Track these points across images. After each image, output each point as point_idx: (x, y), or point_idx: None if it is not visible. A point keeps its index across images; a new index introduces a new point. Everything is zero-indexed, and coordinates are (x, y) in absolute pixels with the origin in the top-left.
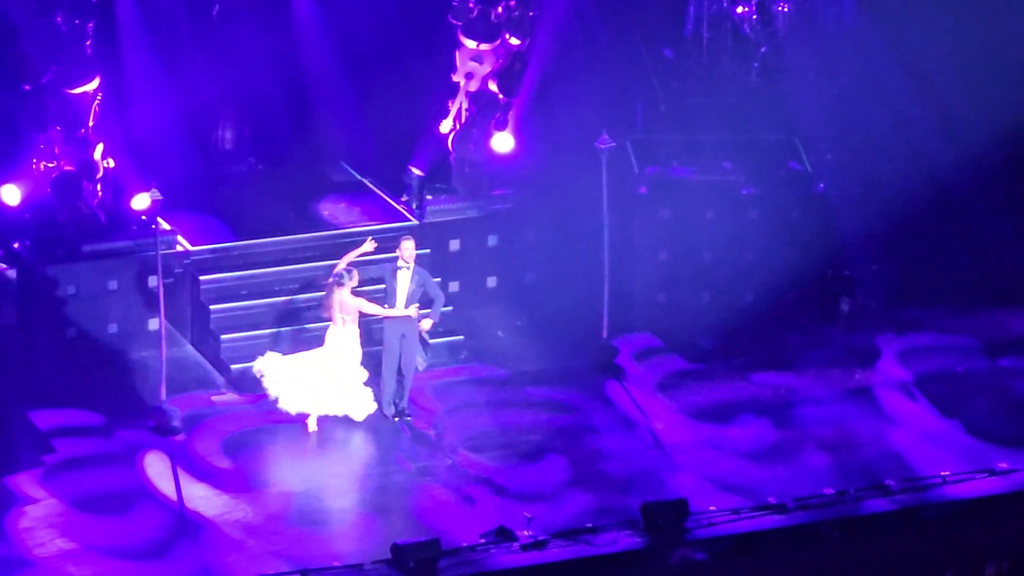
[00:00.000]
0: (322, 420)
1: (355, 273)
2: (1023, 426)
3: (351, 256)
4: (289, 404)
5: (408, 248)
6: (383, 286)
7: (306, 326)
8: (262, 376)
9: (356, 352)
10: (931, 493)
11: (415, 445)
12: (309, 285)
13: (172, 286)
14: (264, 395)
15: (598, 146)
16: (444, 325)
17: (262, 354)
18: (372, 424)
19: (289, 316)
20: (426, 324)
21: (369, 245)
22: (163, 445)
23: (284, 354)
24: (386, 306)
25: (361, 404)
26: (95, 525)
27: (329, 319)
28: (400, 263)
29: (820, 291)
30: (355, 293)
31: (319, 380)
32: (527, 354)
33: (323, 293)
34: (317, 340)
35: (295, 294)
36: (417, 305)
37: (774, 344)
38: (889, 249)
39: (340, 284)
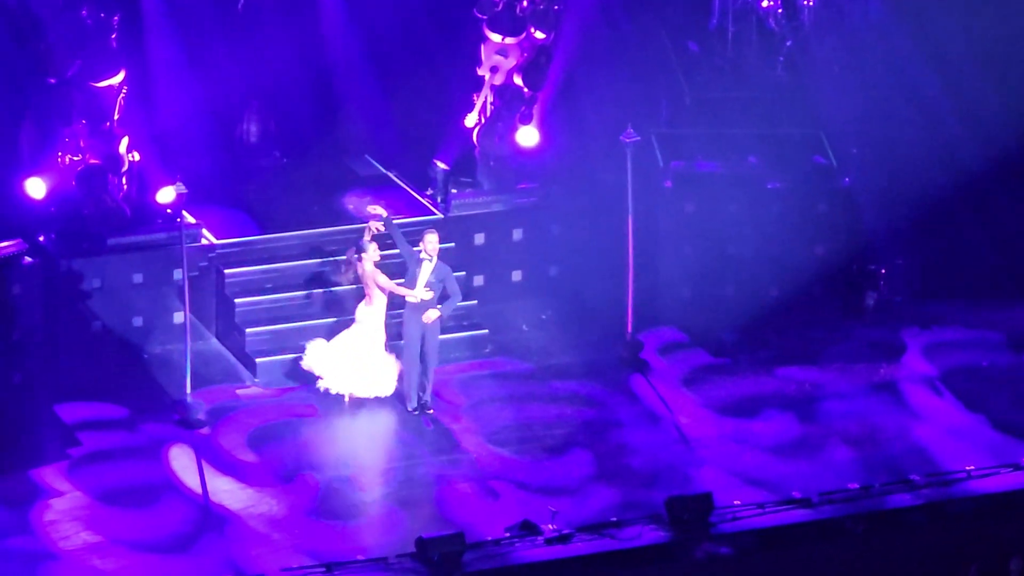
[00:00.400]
0: (350, 414)
1: (374, 246)
2: None
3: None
4: (337, 387)
5: (432, 241)
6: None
7: (331, 319)
8: (311, 368)
9: (380, 330)
10: (956, 488)
11: (439, 439)
12: (334, 279)
13: (197, 279)
14: (290, 388)
15: (623, 140)
16: (468, 319)
17: (292, 346)
18: (396, 417)
19: (314, 309)
20: (432, 315)
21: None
22: (188, 438)
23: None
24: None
25: (387, 381)
26: (120, 518)
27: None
28: (423, 255)
29: (845, 285)
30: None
31: (354, 358)
32: (552, 348)
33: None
34: (343, 329)
35: (320, 287)
36: (430, 291)
37: (799, 338)
38: (914, 243)
39: (360, 256)
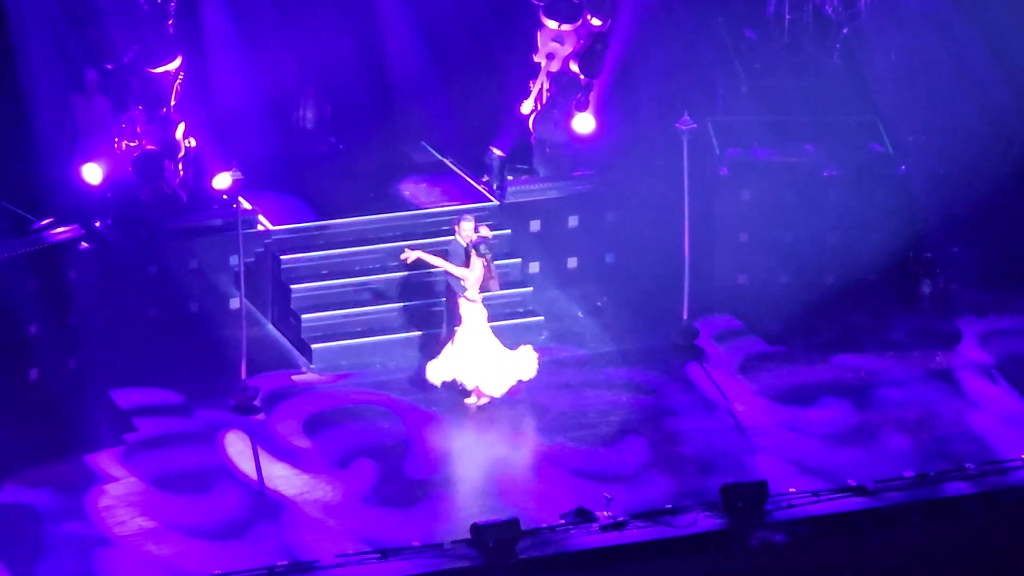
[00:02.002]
0: (400, 401)
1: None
2: None
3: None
4: (487, 387)
5: (467, 228)
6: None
7: (387, 306)
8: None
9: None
10: (1012, 476)
11: (494, 425)
12: (389, 265)
13: (253, 265)
14: (346, 375)
15: (679, 127)
16: (524, 306)
17: (347, 332)
18: (451, 404)
19: (369, 296)
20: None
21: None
22: (243, 424)
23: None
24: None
25: (527, 360)
26: (175, 504)
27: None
28: (458, 239)
29: (901, 273)
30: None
31: (483, 354)
32: (607, 335)
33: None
34: (396, 319)
35: (376, 274)
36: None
37: (854, 326)
38: (971, 231)
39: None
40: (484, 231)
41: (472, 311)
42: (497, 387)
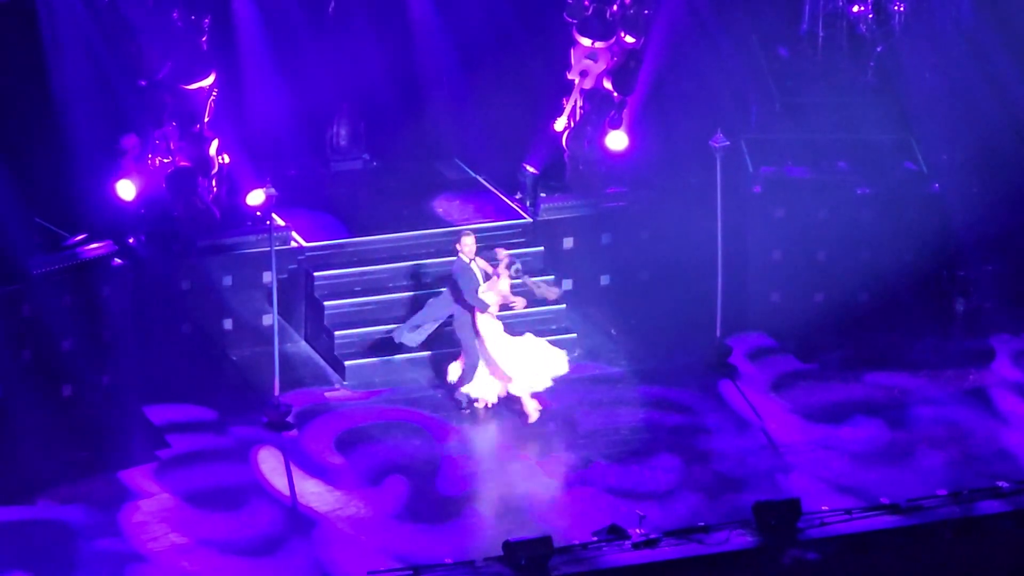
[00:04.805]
0: (432, 418)
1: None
2: None
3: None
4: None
5: (469, 244)
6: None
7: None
8: (469, 394)
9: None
10: None
11: (527, 442)
12: (423, 282)
13: (286, 282)
14: (379, 391)
15: (712, 145)
16: (557, 323)
17: (381, 349)
18: (484, 420)
19: (403, 313)
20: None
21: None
22: (276, 441)
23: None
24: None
25: (556, 362)
26: (208, 520)
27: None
28: (463, 258)
29: (935, 291)
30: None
31: (514, 361)
32: (640, 352)
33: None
34: (430, 336)
35: (409, 291)
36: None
37: (888, 344)
38: (1004, 249)
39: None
40: (502, 253)
41: (489, 323)
42: (538, 383)
